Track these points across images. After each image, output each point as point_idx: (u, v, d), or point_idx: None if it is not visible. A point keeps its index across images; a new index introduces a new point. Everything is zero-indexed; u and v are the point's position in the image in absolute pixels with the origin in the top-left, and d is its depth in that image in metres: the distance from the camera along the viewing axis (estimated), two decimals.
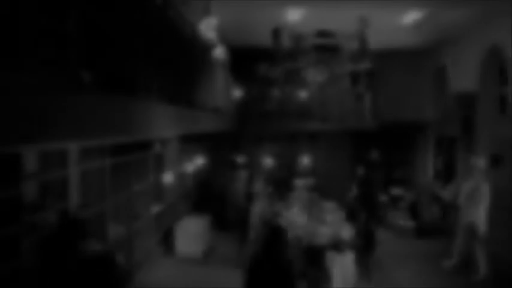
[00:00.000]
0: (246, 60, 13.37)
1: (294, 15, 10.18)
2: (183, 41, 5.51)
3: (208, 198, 12.20)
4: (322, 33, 11.03)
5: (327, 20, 10.24)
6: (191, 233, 9.00)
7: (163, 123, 4.50)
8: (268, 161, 13.68)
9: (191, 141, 11.83)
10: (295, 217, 8.35)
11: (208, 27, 8.43)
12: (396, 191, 13.30)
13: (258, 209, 8.27)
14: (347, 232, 7.46)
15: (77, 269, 3.54)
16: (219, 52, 9.66)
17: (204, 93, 7.15)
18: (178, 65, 5.45)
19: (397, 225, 11.31)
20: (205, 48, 7.34)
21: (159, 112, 4.34)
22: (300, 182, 10.05)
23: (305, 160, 13.54)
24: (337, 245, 6.81)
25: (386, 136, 13.60)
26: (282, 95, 12.69)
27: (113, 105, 3.29)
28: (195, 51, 6.36)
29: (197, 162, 11.82)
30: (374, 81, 11.95)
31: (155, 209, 8.56)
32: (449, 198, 9.45)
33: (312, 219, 8.06)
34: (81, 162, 5.95)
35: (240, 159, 13.54)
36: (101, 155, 6.00)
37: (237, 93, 12.53)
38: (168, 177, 9.18)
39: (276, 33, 11.16)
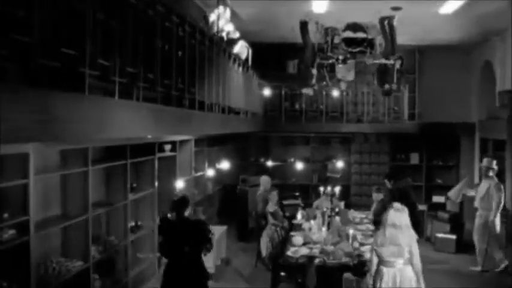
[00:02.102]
0: (275, 57, 12.70)
1: (320, 7, 9.36)
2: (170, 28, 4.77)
3: (232, 205, 11.50)
4: (352, 27, 10.06)
5: (356, 12, 9.32)
6: None
7: (131, 123, 3.75)
8: (298, 165, 12.81)
9: (214, 144, 11.11)
10: (313, 229, 7.45)
11: (220, 19, 7.65)
12: (438, 198, 12.24)
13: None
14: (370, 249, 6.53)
15: (187, 227, 5.70)
16: (240, 48, 8.97)
17: (212, 91, 6.42)
18: (166, 57, 4.72)
19: (435, 238, 10.21)
20: (214, 42, 6.59)
21: (121, 111, 3.60)
22: (324, 189, 9.08)
23: (338, 165, 12.60)
24: (356, 266, 5.86)
25: (428, 138, 12.53)
26: (313, 94, 11.82)
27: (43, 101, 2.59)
28: (195, 43, 5.62)
29: (220, 166, 11.11)
30: (404, 79, 10.93)
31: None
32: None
33: (333, 232, 7.11)
34: (63, 169, 5.31)
35: (269, 163, 12.80)
36: (84, 159, 5.30)
37: (266, 92, 11.77)
38: (179, 183, 8.48)
39: (303, 26, 10.26)
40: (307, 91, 10.89)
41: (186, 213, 5.72)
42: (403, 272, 5.08)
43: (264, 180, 9.54)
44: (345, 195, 12.30)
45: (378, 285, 5.15)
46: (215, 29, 7.45)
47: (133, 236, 6.77)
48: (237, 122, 8.47)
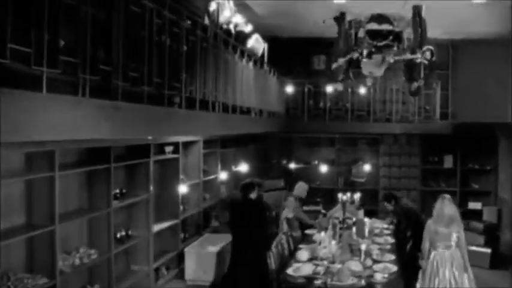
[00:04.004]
0: (298, 52, 12.05)
1: None
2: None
3: None
4: (377, 18, 9.23)
5: (379, 2, 8.55)
6: (206, 255, 7.57)
7: (66, 123, 3.11)
8: (323, 168, 12.05)
9: (229, 145, 10.43)
10: (324, 243, 6.63)
11: (224, 9, 6.97)
12: (474, 205, 11.28)
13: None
14: (383, 269, 5.72)
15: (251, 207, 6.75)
16: (254, 42, 8.33)
17: (208, 88, 5.78)
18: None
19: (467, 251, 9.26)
20: (211, 33, 5.93)
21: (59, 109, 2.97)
22: (342, 196, 8.24)
23: (363, 168, 11.77)
24: None
25: (462, 140, 11.60)
26: (339, 92, 11.04)
27: None
28: (181, 33, 4.97)
29: (237, 168, 10.45)
30: (435, 74, 10.03)
31: (160, 226, 7.20)
32: None
33: (343, 247, 6.29)
34: (28, 173, 4.74)
35: (291, 165, 12.08)
36: (50, 163, 4.70)
37: (288, 89, 11.09)
38: (182, 187, 7.86)
39: (339, 19, 9.45)
40: (337, 86, 10.16)
41: (252, 195, 6.67)
42: (451, 254, 5.92)
43: (300, 187, 8.70)
44: (372, 200, 11.57)
45: (424, 264, 6.02)
46: (216, 19, 6.76)
47: (122, 247, 6.16)
48: (246, 122, 7.78)
